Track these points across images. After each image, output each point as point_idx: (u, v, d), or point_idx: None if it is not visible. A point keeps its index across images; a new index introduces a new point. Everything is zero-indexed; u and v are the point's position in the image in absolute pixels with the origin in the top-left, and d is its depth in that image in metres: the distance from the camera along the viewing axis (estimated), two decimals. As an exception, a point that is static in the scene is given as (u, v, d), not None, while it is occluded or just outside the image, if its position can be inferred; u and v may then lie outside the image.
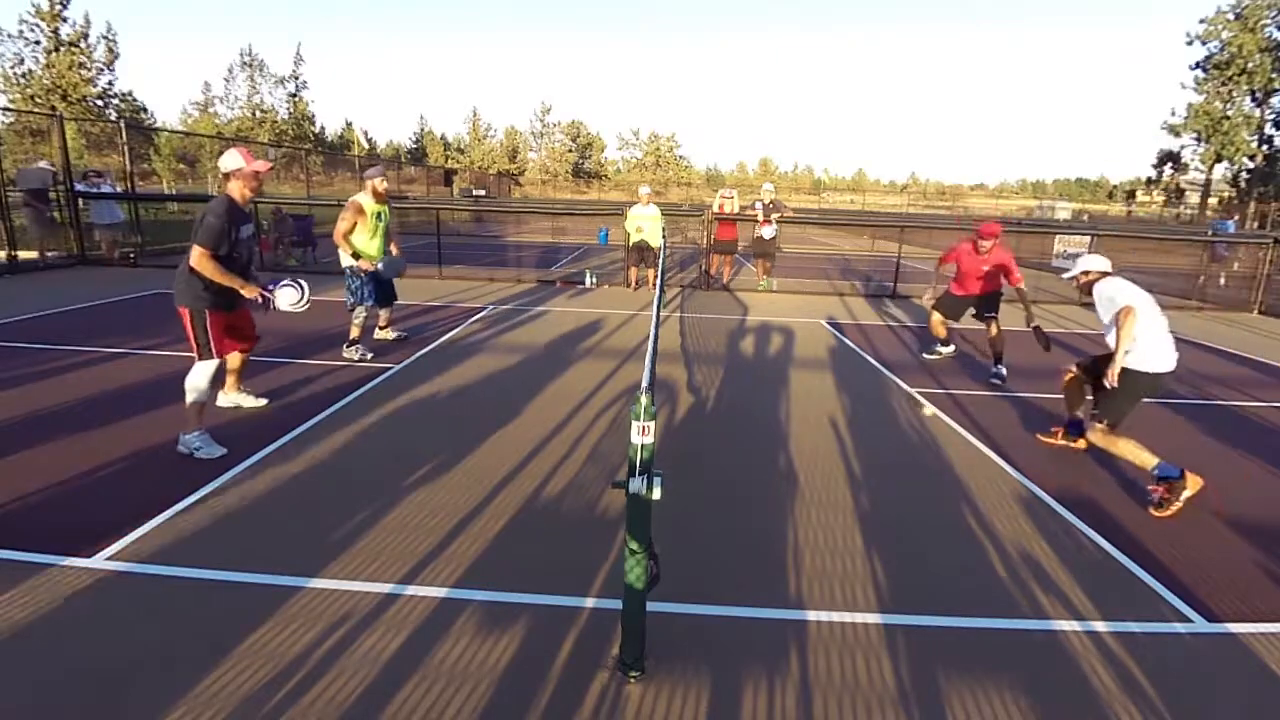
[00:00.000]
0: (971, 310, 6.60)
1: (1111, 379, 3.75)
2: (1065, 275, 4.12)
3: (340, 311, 8.02)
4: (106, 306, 7.98)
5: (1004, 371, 6.26)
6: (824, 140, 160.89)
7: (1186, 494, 3.52)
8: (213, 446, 3.88)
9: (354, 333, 6.06)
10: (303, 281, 4.37)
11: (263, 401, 4.74)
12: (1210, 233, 15.76)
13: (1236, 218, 28.76)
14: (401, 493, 3.47)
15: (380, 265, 6.09)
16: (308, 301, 4.40)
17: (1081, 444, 4.42)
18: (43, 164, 11.88)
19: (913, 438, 4.61)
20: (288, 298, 4.30)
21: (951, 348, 7.06)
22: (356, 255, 5.93)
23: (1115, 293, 3.82)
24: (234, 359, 4.51)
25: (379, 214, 6.03)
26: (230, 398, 4.65)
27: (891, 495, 3.72)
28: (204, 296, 3.94)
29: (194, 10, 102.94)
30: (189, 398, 3.87)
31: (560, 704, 2.11)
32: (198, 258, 3.83)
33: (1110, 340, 3.83)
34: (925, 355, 7.04)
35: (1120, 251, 16.61)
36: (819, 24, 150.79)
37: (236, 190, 4.02)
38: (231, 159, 4.01)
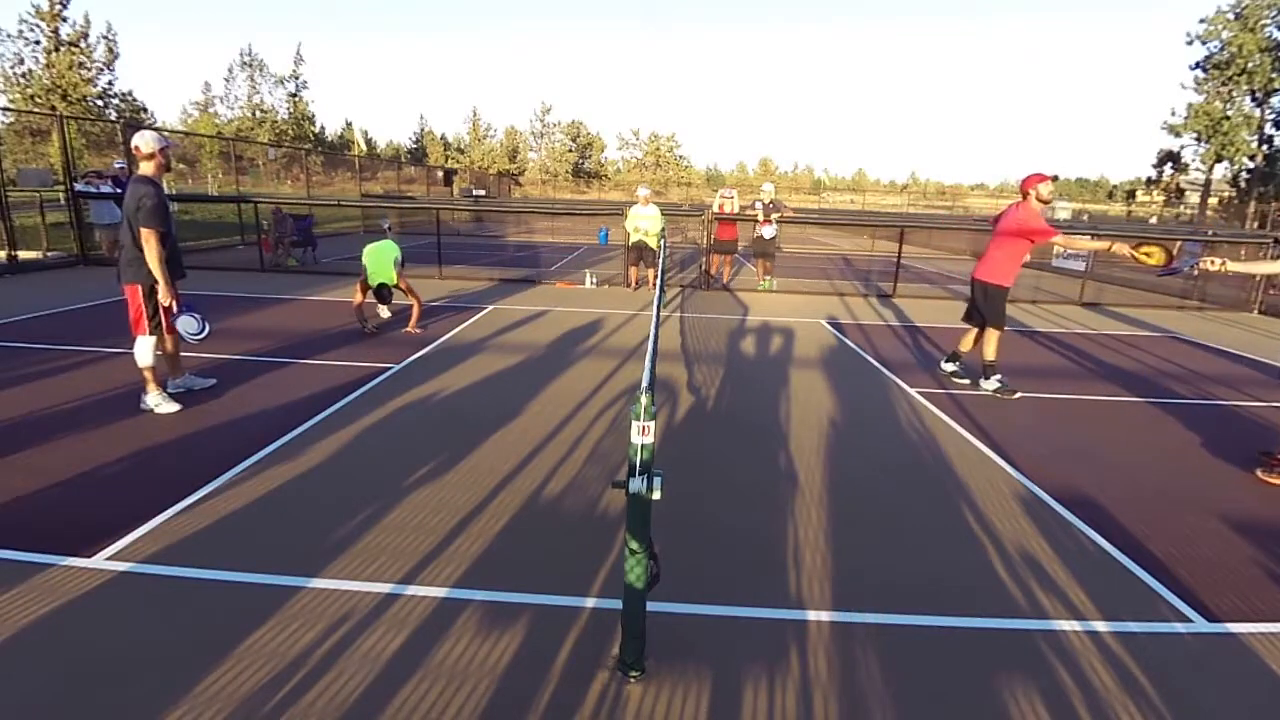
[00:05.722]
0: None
1: None
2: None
3: (341, 312, 8.04)
4: (106, 306, 7.97)
5: (989, 385, 5.63)
6: (824, 140, 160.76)
7: None
8: (170, 404, 4.43)
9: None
10: (208, 323, 4.75)
11: (213, 381, 5.04)
12: (1179, 246, 15.72)
13: (1209, 233, 28.54)
14: (401, 493, 3.47)
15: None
16: (205, 337, 4.78)
17: None
18: (118, 164, 12.21)
19: (913, 437, 4.61)
20: (186, 325, 4.63)
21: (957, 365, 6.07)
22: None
23: None
24: (170, 342, 4.70)
25: None
26: (184, 380, 4.87)
27: (891, 495, 3.72)
28: (152, 275, 4.27)
29: (194, 10, 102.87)
30: (144, 365, 4.38)
31: (560, 704, 2.11)
32: (152, 237, 4.11)
33: None
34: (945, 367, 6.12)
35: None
36: (819, 23, 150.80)
37: (153, 169, 4.25)
38: (155, 138, 4.24)
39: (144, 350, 4.41)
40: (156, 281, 4.29)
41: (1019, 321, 9.40)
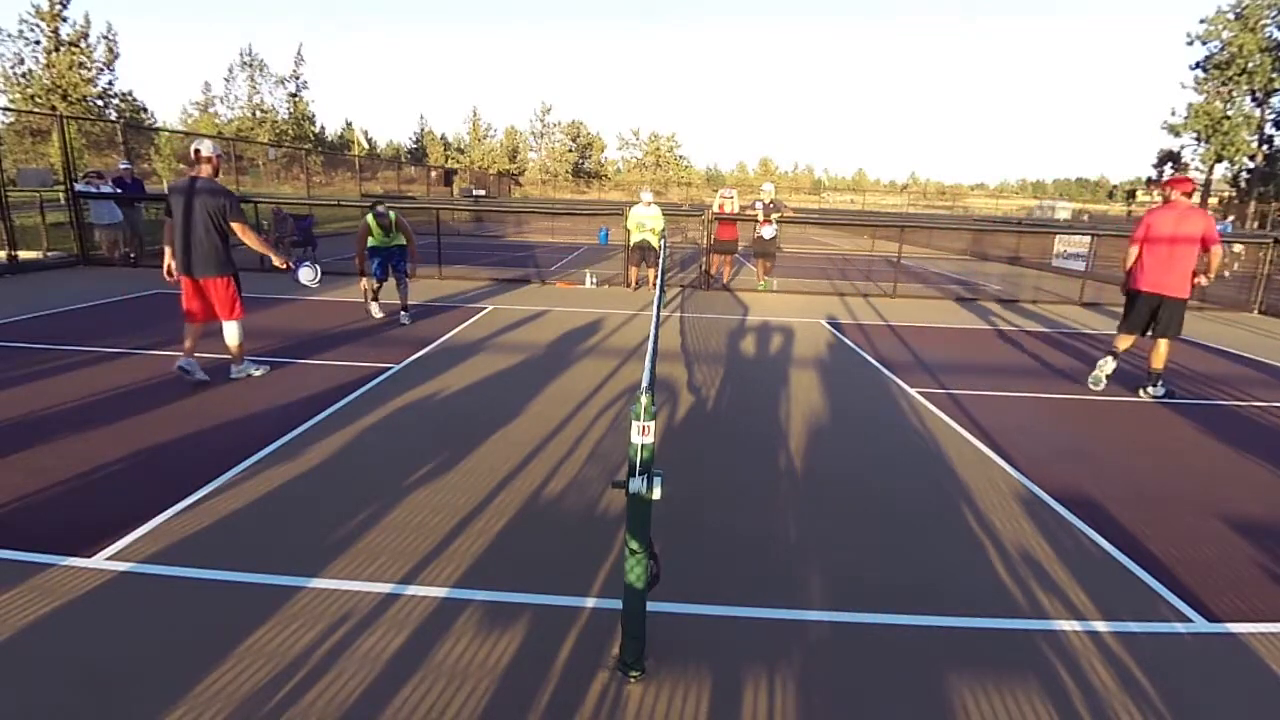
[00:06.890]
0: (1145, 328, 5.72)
1: None
2: None
3: (341, 312, 8.05)
4: (106, 306, 7.98)
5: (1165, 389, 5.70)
6: (824, 140, 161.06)
7: None
8: (261, 367, 5.43)
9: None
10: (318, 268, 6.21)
11: (207, 377, 5.28)
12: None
13: (1231, 218, 28.78)
14: (401, 492, 3.47)
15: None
16: (318, 282, 6.48)
17: None
18: (123, 165, 12.32)
19: (913, 437, 4.61)
20: (306, 275, 6.08)
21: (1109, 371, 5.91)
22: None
23: None
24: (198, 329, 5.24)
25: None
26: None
27: (891, 495, 3.72)
28: (234, 264, 5.11)
29: (194, 10, 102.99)
30: (237, 344, 5.24)
31: (560, 704, 2.11)
32: (247, 230, 5.02)
33: None
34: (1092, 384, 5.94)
35: (1121, 251, 16.60)
36: (820, 23, 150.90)
37: (209, 172, 4.98)
38: (213, 145, 5.04)
39: (235, 331, 5.20)
40: (237, 270, 5.15)
41: (1020, 321, 9.39)
